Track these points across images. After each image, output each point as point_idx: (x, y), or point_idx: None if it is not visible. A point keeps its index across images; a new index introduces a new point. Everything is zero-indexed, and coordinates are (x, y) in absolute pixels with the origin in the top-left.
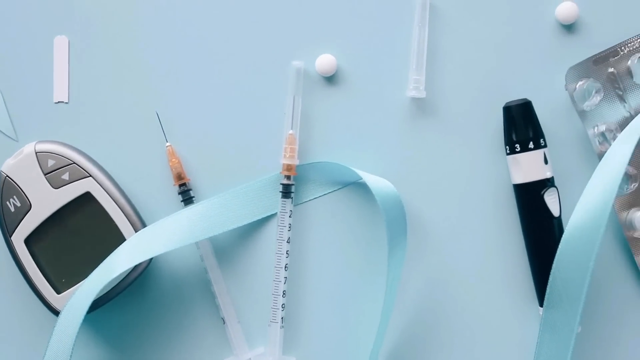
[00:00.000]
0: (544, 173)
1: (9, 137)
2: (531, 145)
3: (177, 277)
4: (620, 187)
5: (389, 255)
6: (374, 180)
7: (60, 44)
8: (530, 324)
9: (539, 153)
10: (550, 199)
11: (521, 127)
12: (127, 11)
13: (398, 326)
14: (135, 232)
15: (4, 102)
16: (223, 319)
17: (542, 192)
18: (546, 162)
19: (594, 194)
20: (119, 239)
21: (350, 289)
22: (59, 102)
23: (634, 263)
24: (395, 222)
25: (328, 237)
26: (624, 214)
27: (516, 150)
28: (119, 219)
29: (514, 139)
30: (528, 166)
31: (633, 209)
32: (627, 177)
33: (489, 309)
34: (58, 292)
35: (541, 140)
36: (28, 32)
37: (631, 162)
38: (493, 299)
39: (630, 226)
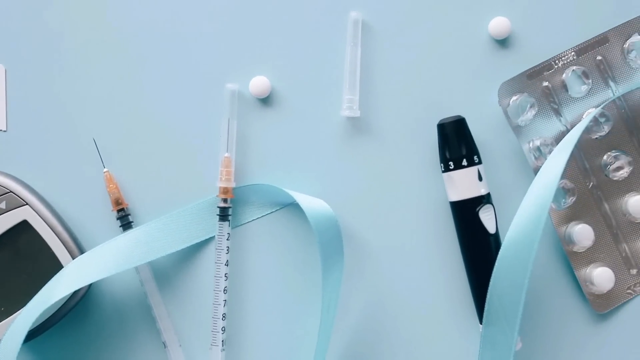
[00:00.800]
0: (479, 190)
1: None
2: (464, 162)
3: (117, 303)
4: (558, 202)
5: (324, 276)
6: (307, 201)
7: None
8: (471, 341)
9: (473, 170)
10: (486, 216)
11: (454, 144)
12: (63, 40)
13: (340, 346)
14: (73, 259)
15: None
16: (164, 343)
17: (477, 209)
18: (480, 179)
19: (528, 209)
20: (57, 266)
21: (290, 310)
22: None
23: (574, 277)
24: (330, 243)
25: (267, 258)
26: (562, 229)
27: (450, 167)
28: (56, 247)
29: (448, 156)
30: (462, 183)
31: (572, 223)
32: (565, 191)
33: (431, 326)
34: None
35: (475, 157)
36: None
37: (568, 176)
38: (434, 316)
39: (570, 240)
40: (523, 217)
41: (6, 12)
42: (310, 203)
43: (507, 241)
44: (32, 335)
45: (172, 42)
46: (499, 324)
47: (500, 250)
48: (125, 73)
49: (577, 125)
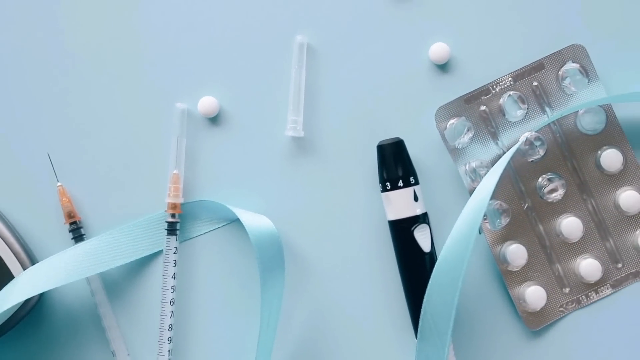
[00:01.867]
0: (414, 210)
1: None
2: (401, 183)
3: (68, 313)
4: (493, 222)
5: (263, 290)
6: (249, 218)
7: None
8: (407, 354)
9: (409, 191)
10: (421, 235)
11: (391, 165)
12: (19, 53)
13: (282, 356)
14: (24, 270)
15: None
16: (113, 352)
17: (413, 229)
18: (416, 199)
19: (460, 229)
20: (8, 277)
21: (235, 322)
22: None
23: (508, 295)
24: (271, 258)
25: (214, 272)
26: (497, 248)
27: (387, 188)
28: (7, 257)
29: (385, 177)
30: (398, 203)
31: (506, 243)
32: (500, 212)
33: (369, 340)
34: None
35: (411, 179)
36: None
37: (504, 197)
38: (373, 330)
39: (504, 260)
40: (455, 237)
41: None
42: (253, 220)
43: (440, 260)
44: None
45: (124, 61)
46: (431, 339)
47: (434, 268)
48: (79, 90)
49: (511, 148)
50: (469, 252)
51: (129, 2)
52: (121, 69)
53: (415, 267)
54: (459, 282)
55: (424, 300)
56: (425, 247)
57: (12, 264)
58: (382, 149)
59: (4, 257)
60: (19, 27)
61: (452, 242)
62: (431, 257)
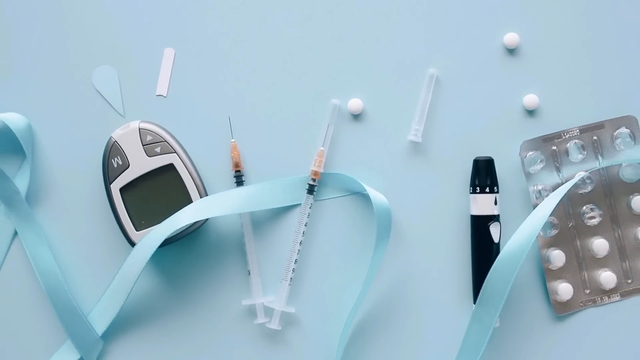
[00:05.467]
0: (493, 211)
1: (119, 113)
2: (487, 189)
3: (222, 235)
4: (545, 231)
5: (375, 248)
6: (373, 193)
7: (169, 54)
8: (464, 316)
9: (492, 196)
10: (494, 229)
11: (482, 176)
12: (223, 39)
13: (372, 299)
14: (200, 198)
15: (120, 89)
16: (249, 271)
17: (489, 224)
18: (496, 203)
19: (523, 232)
20: (187, 200)
21: (344, 266)
22: (159, 95)
23: (545, 286)
24: (383, 226)
25: (336, 227)
26: (544, 250)
27: (477, 191)
28: (190, 186)
29: (476, 183)
30: (482, 204)
31: (551, 248)
32: (551, 225)
33: (437, 300)
34: (137, 230)
35: (495, 188)
36: (146, 42)
37: (556, 215)
38: (440, 293)
39: (547, 260)
40: (519, 236)
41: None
42: (375, 194)
43: (505, 250)
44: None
45: (303, 60)
46: (487, 306)
47: (499, 255)
48: (264, 76)
49: (569, 181)
50: (527, 249)
51: (317, 22)
52: (300, 65)
53: (485, 252)
54: (516, 268)
55: (487, 277)
56: (496, 239)
57: (192, 191)
58: (477, 162)
59: (187, 186)
60: (228, 8)
61: (515, 239)
62: (497, 247)
